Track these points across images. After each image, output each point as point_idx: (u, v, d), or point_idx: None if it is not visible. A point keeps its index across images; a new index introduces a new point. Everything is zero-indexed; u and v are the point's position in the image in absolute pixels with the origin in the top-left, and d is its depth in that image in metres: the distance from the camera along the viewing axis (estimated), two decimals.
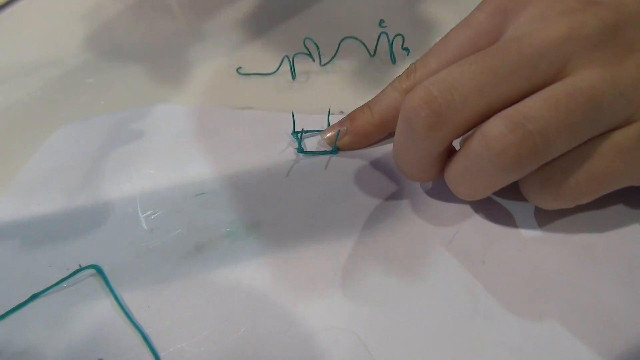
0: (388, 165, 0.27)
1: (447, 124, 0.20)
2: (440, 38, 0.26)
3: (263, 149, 0.29)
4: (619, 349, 0.20)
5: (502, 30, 0.23)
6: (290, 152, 0.29)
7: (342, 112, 0.31)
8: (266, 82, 0.34)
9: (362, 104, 0.29)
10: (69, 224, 0.26)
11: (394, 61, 0.34)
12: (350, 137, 0.28)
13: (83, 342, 0.21)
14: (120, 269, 0.24)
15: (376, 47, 0.35)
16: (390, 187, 0.26)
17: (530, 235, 0.23)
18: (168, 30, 0.39)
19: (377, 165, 0.28)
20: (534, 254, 0.23)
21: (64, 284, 0.23)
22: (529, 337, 0.20)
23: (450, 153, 0.23)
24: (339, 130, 0.28)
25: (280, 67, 0.34)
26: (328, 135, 0.29)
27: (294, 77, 0.34)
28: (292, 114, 0.29)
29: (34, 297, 0.23)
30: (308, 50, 0.34)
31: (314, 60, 0.35)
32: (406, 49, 0.35)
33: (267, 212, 0.26)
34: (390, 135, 0.28)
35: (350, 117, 0.29)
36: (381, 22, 0.38)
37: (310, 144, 0.29)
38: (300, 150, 0.29)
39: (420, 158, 0.22)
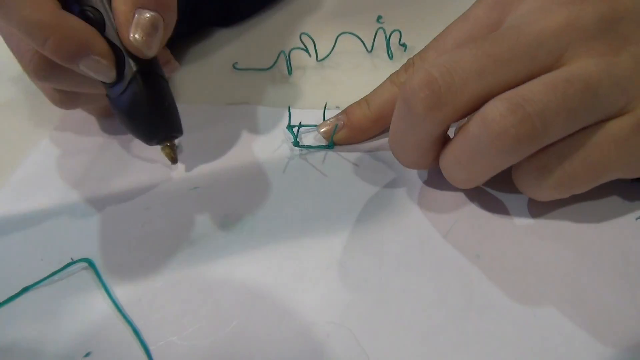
0: (385, 159, 0.27)
1: (446, 106, 0.20)
2: (438, 33, 0.26)
3: (259, 143, 0.29)
4: (613, 341, 0.19)
5: (501, 23, 0.23)
6: (286, 147, 0.29)
7: (337, 107, 0.30)
8: (263, 77, 0.34)
9: (358, 99, 0.29)
10: (63, 218, 0.26)
11: (391, 57, 0.34)
12: (346, 132, 0.28)
13: (73, 335, 0.21)
14: (112, 262, 0.24)
15: (373, 42, 0.35)
16: (387, 181, 0.26)
17: (524, 229, 0.23)
18: None
19: (374, 159, 0.27)
20: (528, 247, 0.22)
21: (55, 277, 0.23)
22: (523, 331, 0.20)
23: (445, 141, 0.23)
24: (337, 125, 0.28)
25: (277, 62, 0.34)
26: (324, 129, 0.28)
27: (290, 72, 0.34)
28: (289, 107, 0.29)
29: (25, 289, 0.23)
30: (304, 45, 0.34)
31: (310, 55, 0.34)
32: (403, 45, 0.34)
33: (261, 206, 0.26)
34: (387, 130, 0.28)
35: (347, 111, 0.28)
36: (379, 18, 0.38)
37: (307, 139, 0.29)
38: (296, 144, 0.28)
39: (418, 142, 0.22)
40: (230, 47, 0.37)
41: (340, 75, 0.33)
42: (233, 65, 0.35)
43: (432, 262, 0.22)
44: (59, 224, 0.26)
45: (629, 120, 0.20)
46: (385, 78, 0.28)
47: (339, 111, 0.29)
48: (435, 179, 0.26)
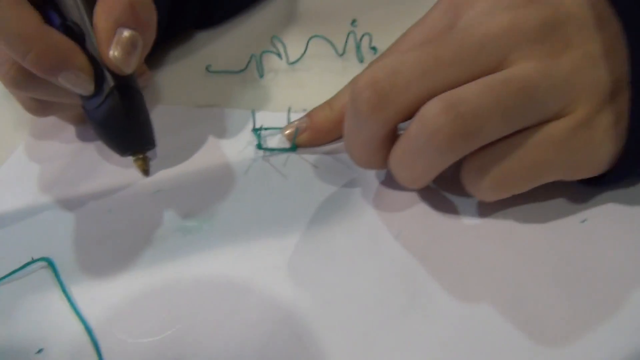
0: (345, 161, 0.27)
1: (390, 105, 0.21)
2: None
3: (225, 146, 0.30)
4: (546, 341, 0.19)
5: (454, 26, 0.24)
6: (251, 149, 0.29)
7: (304, 110, 0.31)
8: (235, 79, 0.34)
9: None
10: (28, 220, 0.27)
11: (361, 60, 0.34)
12: (309, 134, 0.28)
13: (27, 332, 0.22)
14: (71, 262, 0.24)
15: (345, 46, 0.35)
16: (344, 182, 0.26)
17: (472, 230, 0.23)
18: None
19: (334, 161, 0.28)
20: (474, 248, 0.23)
21: (15, 276, 0.24)
22: (461, 330, 0.20)
23: (395, 141, 0.23)
24: (298, 128, 0.28)
25: (249, 65, 0.35)
26: (287, 132, 0.29)
27: (261, 75, 0.34)
28: (252, 111, 0.30)
29: None
30: (276, 48, 0.35)
31: (281, 58, 0.35)
32: (373, 48, 0.35)
33: (221, 207, 0.26)
34: None
35: (310, 114, 0.29)
36: (353, 22, 0.38)
37: (273, 142, 0.30)
38: (259, 146, 0.29)
39: (366, 140, 0.22)
40: (206, 49, 0.37)
41: (310, 78, 0.34)
42: (206, 68, 0.35)
43: (380, 262, 0.23)
44: (25, 225, 0.26)
45: (568, 122, 0.20)
46: None
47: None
48: (391, 180, 0.26)
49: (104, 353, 0.21)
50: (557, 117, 0.21)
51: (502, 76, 0.20)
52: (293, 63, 0.35)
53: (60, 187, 0.28)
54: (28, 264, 0.24)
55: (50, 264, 0.24)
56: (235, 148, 0.29)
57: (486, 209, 0.24)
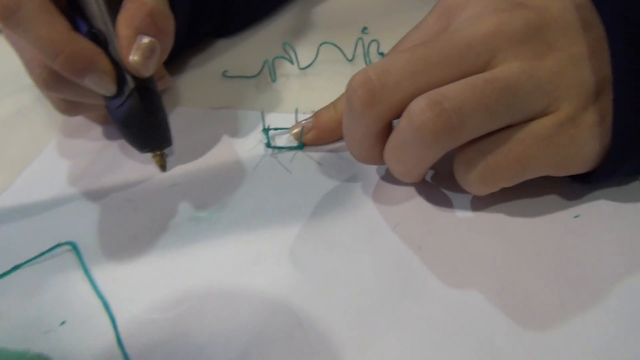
0: (348, 158, 0.29)
1: (380, 103, 0.22)
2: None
3: (236, 144, 0.32)
4: (532, 327, 0.21)
5: (446, 29, 0.25)
6: (261, 148, 0.31)
7: (312, 112, 0.33)
8: (249, 84, 0.37)
9: None
10: (57, 209, 0.29)
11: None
12: (315, 133, 0.30)
13: (52, 306, 0.24)
14: (93, 246, 0.27)
15: (354, 51, 0.37)
16: (346, 177, 0.28)
17: (466, 223, 0.25)
18: None
19: (338, 159, 0.29)
20: (467, 240, 0.24)
21: (43, 258, 0.26)
22: (450, 316, 0.21)
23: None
24: (303, 127, 0.30)
25: (263, 70, 0.37)
26: (295, 131, 0.31)
27: (273, 79, 0.36)
28: (262, 111, 0.32)
29: (16, 267, 0.26)
30: (288, 54, 0.37)
31: (292, 63, 0.37)
32: (381, 54, 0.37)
33: (230, 200, 0.28)
34: None
35: (316, 114, 0.31)
36: (364, 30, 0.40)
37: (281, 141, 0.31)
38: (269, 145, 0.31)
39: (362, 136, 0.24)
40: (222, 57, 0.40)
41: (320, 83, 0.36)
42: (222, 73, 0.37)
43: (377, 251, 0.24)
44: (53, 213, 0.29)
45: (552, 119, 0.22)
46: None
47: None
48: (391, 175, 0.27)
49: (120, 326, 0.23)
50: (541, 115, 0.22)
51: (486, 76, 0.21)
52: (304, 68, 0.37)
53: (86, 180, 0.31)
54: (55, 247, 0.26)
55: (74, 247, 0.26)
56: (246, 146, 0.31)
57: (480, 203, 0.25)
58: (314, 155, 0.30)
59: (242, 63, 0.38)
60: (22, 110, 0.37)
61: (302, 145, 0.31)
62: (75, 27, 0.26)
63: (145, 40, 0.26)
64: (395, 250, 0.24)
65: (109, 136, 0.34)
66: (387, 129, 0.24)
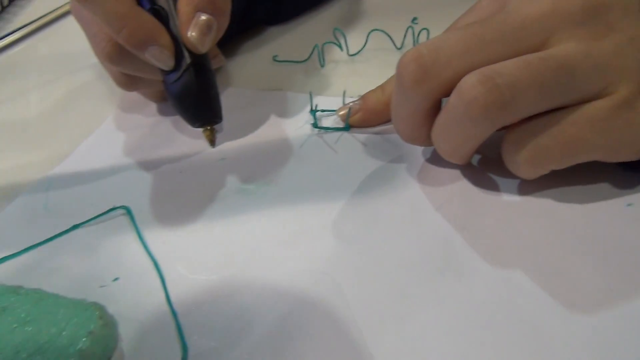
0: (393, 140, 0.29)
1: (431, 79, 0.22)
2: None
3: (284, 124, 0.32)
4: (580, 309, 0.20)
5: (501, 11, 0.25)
6: (308, 128, 0.32)
7: (359, 96, 0.33)
8: (298, 68, 0.37)
9: None
10: (114, 176, 0.31)
11: None
12: (361, 115, 0.31)
13: (107, 264, 0.25)
14: (146, 211, 0.28)
15: (403, 40, 0.37)
16: (391, 158, 0.28)
17: (513, 206, 0.24)
18: None
19: (383, 140, 0.30)
20: (513, 223, 0.24)
21: (100, 219, 0.28)
22: (494, 294, 0.21)
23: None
24: (351, 107, 0.31)
25: (312, 55, 0.38)
26: (341, 112, 0.31)
27: (322, 65, 0.37)
28: (310, 93, 0.32)
29: (74, 227, 0.27)
30: (337, 40, 0.37)
31: (342, 49, 0.37)
32: None
33: (277, 175, 0.29)
34: None
35: (363, 97, 0.31)
36: (414, 20, 0.40)
37: (328, 122, 0.32)
38: (315, 125, 0.31)
39: (410, 113, 0.24)
40: (274, 42, 0.40)
41: (368, 69, 0.36)
42: (273, 58, 0.38)
43: (420, 229, 0.24)
44: (110, 180, 0.30)
45: (607, 102, 0.21)
46: None
47: None
48: (436, 157, 0.27)
49: (168, 284, 0.24)
50: (597, 97, 0.21)
51: (542, 54, 0.21)
52: (353, 55, 0.37)
53: (141, 152, 0.32)
54: (110, 210, 0.28)
55: (128, 211, 0.28)
56: (294, 126, 0.32)
57: (528, 188, 0.25)
58: (359, 136, 0.30)
59: (292, 49, 0.39)
60: (85, 86, 0.39)
61: (348, 127, 0.31)
62: (139, 3, 0.28)
63: (204, 17, 0.27)
64: (439, 229, 0.24)
65: (162, 112, 0.35)
66: (436, 107, 0.24)
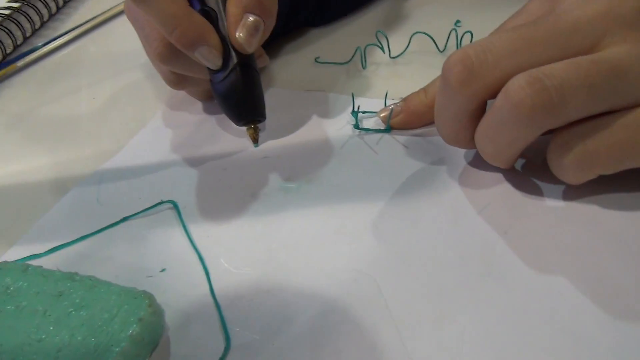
0: (435, 143, 0.29)
1: (477, 81, 0.22)
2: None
3: (326, 124, 0.33)
4: (621, 317, 0.20)
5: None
6: (349, 129, 0.32)
7: (401, 98, 0.33)
8: (340, 70, 0.38)
9: None
10: (161, 171, 0.32)
11: None
12: (403, 117, 0.31)
13: (155, 255, 0.27)
14: (192, 206, 0.29)
15: (446, 43, 0.37)
16: (432, 161, 0.28)
17: (556, 213, 0.24)
18: None
19: (424, 143, 0.30)
20: (556, 229, 0.23)
21: (148, 212, 0.29)
22: (533, 299, 0.21)
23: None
24: (392, 109, 0.31)
25: (354, 57, 0.38)
26: (383, 114, 0.31)
27: (364, 66, 0.37)
28: (352, 94, 0.33)
29: (124, 219, 0.29)
30: (379, 42, 0.38)
31: (384, 52, 0.38)
32: None
33: (318, 174, 0.29)
34: None
35: (406, 99, 0.31)
36: (457, 22, 0.40)
37: (369, 124, 0.32)
38: (357, 126, 0.32)
39: (454, 115, 0.24)
40: (316, 44, 0.41)
41: (410, 72, 0.36)
42: (315, 59, 0.39)
43: (461, 232, 0.24)
44: (158, 175, 0.32)
45: None
46: None
47: None
48: (479, 160, 0.27)
49: (212, 276, 0.25)
50: None
51: (592, 57, 0.21)
52: (395, 57, 0.38)
53: (187, 148, 0.33)
54: (158, 204, 0.29)
55: (175, 205, 0.29)
56: (335, 127, 0.32)
57: (572, 194, 0.25)
58: (400, 138, 0.31)
59: (335, 50, 0.40)
60: (135, 84, 0.41)
61: (389, 128, 0.31)
62: (191, 4, 0.29)
63: (251, 18, 0.28)
64: (480, 233, 0.24)
65: (208, 111, 0.36)
66: (482, 110, 0.24)
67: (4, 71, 0.45)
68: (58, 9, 0.53)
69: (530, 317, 0.21)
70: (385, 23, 0.42)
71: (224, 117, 0.33)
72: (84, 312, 0.21)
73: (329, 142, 0.31)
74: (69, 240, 0.28)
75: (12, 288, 0.23)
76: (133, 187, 0.31)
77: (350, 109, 0.33)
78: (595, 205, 0.24)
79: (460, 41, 0.36)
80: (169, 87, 0.34)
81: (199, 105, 0.37)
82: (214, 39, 0.28)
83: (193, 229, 0.27)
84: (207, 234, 0.27)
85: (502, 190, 0.26)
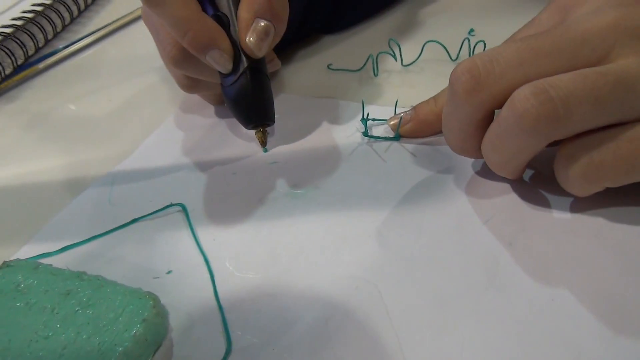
0: (442, 152, 0.29)
1: (484, 90, 0.22)
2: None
3: (335, 131, 0.33)
4: (625, 336, 0.20)
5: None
6: (358, 136, 0.32)
7: (411, 106, 0.33)
8: (352, 77, 0.38)
9: None
10: (171, 175, 0.32)
11: None
12: (412, 125, 0.31)
13: (162, 257, 0.27)
14: (200, 209, 0.29)
15: (459, 51, 0.37)
16: (439, 170, 0.28)
17: (562, 225, 0.24)
18: None
19: (432, 151, 0.30)
20: (561, 241, 0.23)
21: (157, 215, 0.29)
22: (537, 313, 0.21)
23: None
24: (402, 117, 0.31)
25: (366, 64, 0.38)
26: (392, 122, 0.32)
27: (376, 74, 0.37)
28: (362, 101, 0.33)
29: (134, 220, 0.29)
30: (392, 50, 0.38)
31: (396, 60, 0.38)
32: None
33: (325, 181, 0.29)
34: None
35: (416, 107, 0.31)
36: (471, 31, 0.40)
37: (379, 131, 0.32)
38: (366, 134, 0.32)
39: (461, 124, 0.24)
40: (329, 51, 0.41)
41: (422, 80, 0.36)
42: (327, 66, 0.39)
43: (466, 243, 0.24)
44: (168, 178, 0.32)
45: None
46: None
47: None
48: (486, 170, 0.27)
49: (217, 279, 0.25)
50: None
51: (599, 69, 0.20)
52: (407, 65, 0.38)
53: (197, 152, 0.34)
54: (167, 206, 0.29)
55: (184, 208, 0.29)
56: (344, 134, 0.33)
57: (579, 206, 0.24)
58: (408, 146, 0.31)
59: (347, 57, 0.40)
60: (149, 87, 0.42)
61: (398, 137, 0.31)
62: (204, 9, 0.29)
63: (262, 23, 0.28)
64: (484, 243, 0.24)
65: (219, 115, 0.37)
66: (488, 119, 0.24)
67: (25, 73, 0.47)
68: (80, 12, 0.55)
69: (531, 329, 0.21)
70: (398, 31, 0.42)
71: (235, 122, 0.33)
72: (90, 310, 0.22)
73: (337, 149, 0.32)
74: (80, 240, 0.29)
75: (22, 285, 0.23)
76: (144, 189, 0.32)
77: (360, 116, 0.33)
78: (602, 219, 0.24)
79: (473, 50, 0.36)
80: (182, 91, 0.35)
81: (211, 109, 0.37)
82: (225, 43, 0.29)
83: (200, 232, 0.28)
84: (214, 237, 0.27)
85: (508, 201, 0.26)
